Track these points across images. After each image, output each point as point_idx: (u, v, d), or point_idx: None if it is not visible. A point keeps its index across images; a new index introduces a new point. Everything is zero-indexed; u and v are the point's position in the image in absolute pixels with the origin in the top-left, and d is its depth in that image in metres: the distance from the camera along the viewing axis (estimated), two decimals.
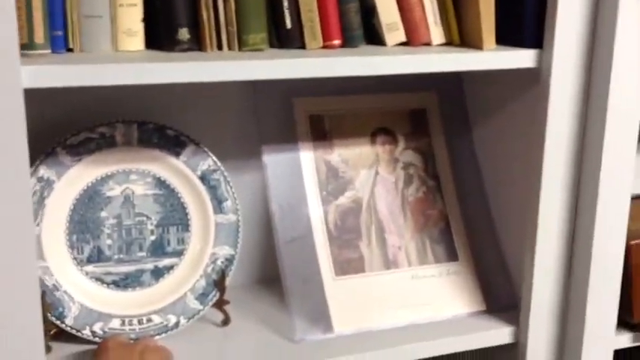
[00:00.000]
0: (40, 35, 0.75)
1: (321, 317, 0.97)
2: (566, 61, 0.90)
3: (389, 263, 1.03)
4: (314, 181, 1.03)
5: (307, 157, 1.03)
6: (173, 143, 0.94)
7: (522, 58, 0.90)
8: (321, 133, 1.04)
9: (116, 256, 0.94)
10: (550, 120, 0.91)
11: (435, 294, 1.03)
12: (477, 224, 1.08)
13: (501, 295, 1.04)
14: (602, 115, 0.91)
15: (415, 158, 1.08)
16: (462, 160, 1.09)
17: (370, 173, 1.06)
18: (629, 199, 0.96)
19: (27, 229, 0.73)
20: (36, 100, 0.75)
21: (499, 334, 1.00)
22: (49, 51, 0.77)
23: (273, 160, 1.01)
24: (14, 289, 0.74)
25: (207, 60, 0.79)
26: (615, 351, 1.02)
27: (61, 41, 0.78)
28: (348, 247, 1.02)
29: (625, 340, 1.03)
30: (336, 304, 0.98)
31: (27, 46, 0.74)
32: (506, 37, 0.91)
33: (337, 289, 0.99)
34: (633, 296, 1.00)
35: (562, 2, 0.87)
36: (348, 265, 1.01)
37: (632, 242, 0.98)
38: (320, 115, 1.05)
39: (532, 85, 0.93)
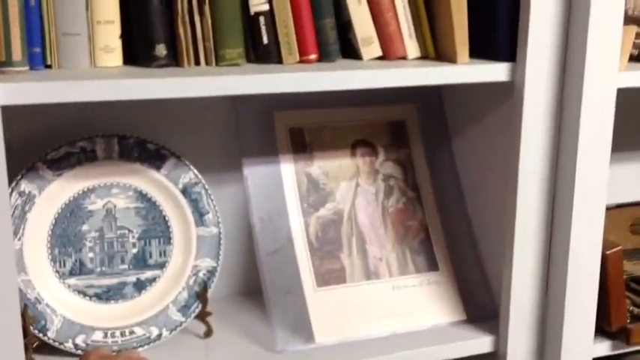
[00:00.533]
0: (17, 52, 0.76)
1: (302, 328, 0.97)
2: (539, 74, 0.91)
3: (370, 274, 1.04)
4: (295, 193, 1.04)
5: (288, 169, 1.04)
6: (154, 157, 0.95)
7: (495, 71, 0.92)
8: (302, 145, 1.05)
9: (98, 269, 0.95)
10: (524, 132, 0.93)
11: (415, 304, 1.04)
12: (457, 235, 1.09)
13: (481, 305, 1.05)
14: (575, 127, 0.92)
15: (395, 170, 1.09)
16: (442, 171, 1.11)
17: (351, 185, 1.07)
18: (604, 209, 0.97)
19: (6, 243, 0.74)
20: (17, 116, 0.76)
21: (479, 343, 1.01)
22: (27, 68, 0.78)
23: (254, 172, 1.02)
24: None
25: (185, 76, 0.80)
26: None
27: (39, 58, 0.79)
28: (329, 258, 1.03)
29: (603, 348, 1.04)
30: (317, 314, 0.99)
31: (4, 63, 0.75)
32: (481, 51, 0.93)
33: (318, 300, 1.00)
34: (610, 305, 1.01)
35: (534, 16, 0.89)
36: (330, 276, 1.02)
37: (608, 252, 1.00)
38: (300, 128, 1.06)
39: (506, 97, 0.95)
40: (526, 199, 0.96)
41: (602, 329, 1.03)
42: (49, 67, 0.81)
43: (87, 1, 0.80)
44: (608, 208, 0.98)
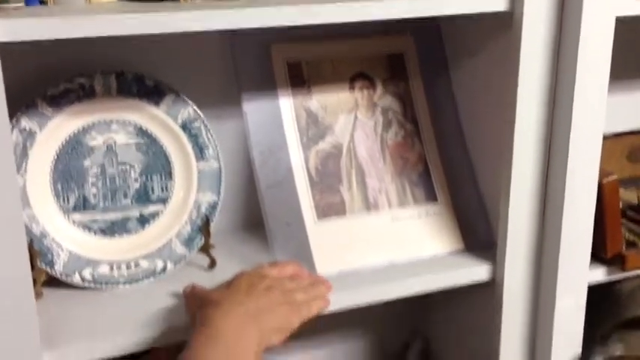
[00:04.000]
0: None
1: (303, 259, 0.99)
2: (537, 4, 0.90)
3: (369, 206, 1.06)
4: (294, 127, 1.04)
5: (286, 103, 1.04)
6: (153, 93, 0.95)
7: (494, 1, 0.91)
8: (300, 79, 1.05)
9: (101, 204, 0.96)
10: (523, 61, 0.93)
11: (414, 234, 1.06)
12: (456, 166, 1.10)
13: (479, 234, 1.07)
14: (574, 56, 0.92)
15: (393, 102, 1.10)
16: (440, 103, 1.11)
17: (349, 118, 1.07)
18: (602, 137, 0.98)
19: (10, 178, 0.75)
20: (15, 54, 0.76)
21: (476, 271, 1.03)
22: (23, 4, 0.78)
23: (253, 107, 1.02)
24: (1, 237, 0.76)
25: (182, 10, 0.80)
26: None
27: None
28: (329, 191, 1.05)
29: (599, 274, 1.06)
30: (318, 246, 1.01)
31: (1, 0, 0.75)
32: None
33: (319, 232, 1.02)
34: (606, 232, 1.03)
35: None
36: (330, 209, 1.04)
37: (605, 180, 1.01)
38: (298, 62, 1.06)
39: (505, 28, 0.94)
40: (523, 129, 0.96)
41: (598, 256, 1.05)
42: (44, 3, 0.80)
43: None
44: (605, 137, 0.99)
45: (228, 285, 0.88)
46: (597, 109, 0.95)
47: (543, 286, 1.04)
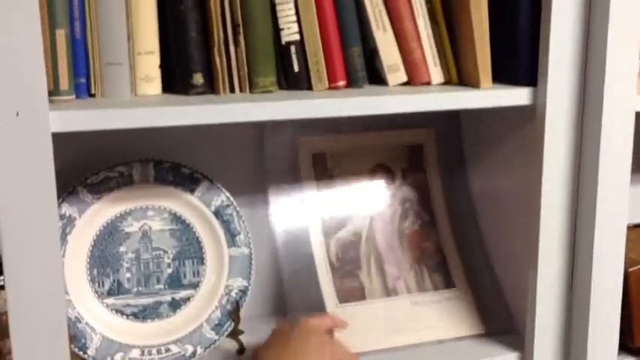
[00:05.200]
0: (65, 82, 0.80)
1: None
2: (559, 98, 0.94)
3: (389, 291, 1.08)
4: (316, 215, 1.08)
5: (310, 193, 1.08)
6: (188, 180, 0.99)
7: (517, 95, 0.95)
8: (323, 170, 1.10)
9: (135, 289, 0.98)
10: (546, 153, 0.96)
11: (434, 318, 1.07)
12: (472, 256, 1.12)
13: (499, 320, 1.08)
14: (596, 148, 0.95)
15: (411, 193, 1.13)
16: (457, 194, 1.14)
17: (368, 208, 1.10)
18: (626, 227, 1.00)
19: (55, 264, 0.78)
20: (58, 143, 0.80)
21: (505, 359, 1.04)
22: (74, 97, 0.82)
23: (278, 197, 1.06)
24: (44, 323, 0.78)
25: (221, 103, 0.84)
26: None
27: (84, 88, 0.83)
28: (349, 276, 1.07)
29: None
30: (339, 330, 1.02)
31: (53, 92, 0.79)
32: (502, 76, 0.96)
33: (340, 316, 1.03)
34: (634, 321, 1.03)
35: (554, 41, 0.92)
36: (350, 294, 1.06)
37: (631, 269, 1.02)
38: (322, 153, 1.10)
39: (527, 121, 0.98)
40: (549, 220, 0.98)
41: (626, 346, 1.05)
42: (92, 95, 0.85)
43: (128, 33, 0.84)
44: (629, 227, 1.00)
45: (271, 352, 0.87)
46: (621, 200, 0.98)
47: None
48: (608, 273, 1.00)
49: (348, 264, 1.07)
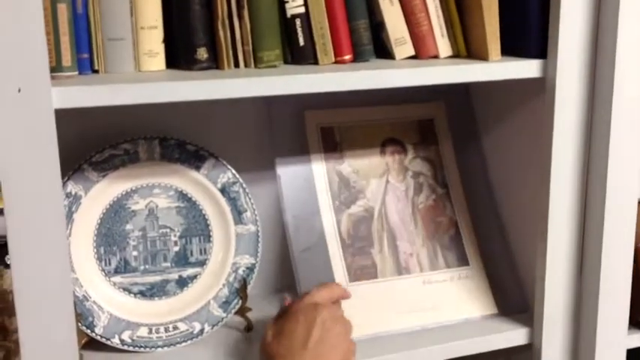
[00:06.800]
0: (67, 58, 0.79)
1: None
2: (570, 70, 0.93)
3: (401, 269, 1.07)
4: (326, 191, 1.06)
5: (319, 168, 1.07)
6: (194, 157, 0.98)
7: (527, 68, 0.93)
8: (332, 144, 1.08)
9: (142, 267, 0.98)
10: (556, 126, 0.94)
11: (447, 298, 1.06)
12: (487, 230, 1.11)
13: (513, 299, 1.07)
14: (607, 121, 0.94)
15: (424, 167, 1.12)
16: (471, 167, 1.13)
17: (381, 182, 1.09)
18: (637, 202, 0.99)
19: (60, 242, 0.77)
20: (62, 120, 0.79)
21: (514, 335, 1.03)
22: (77, 73, 0.81)
23: (287, 172, 1.05)
24: (50, 301, 0.77)
25: (225, 77, 0.83)
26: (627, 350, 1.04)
27: (87, 63, 0.82)
28: (360, 254, 1.06)
29: (637, 339, 1.05)
30: (350, 309, 1.01)
31: (55, 69, 0.78)
32: (512, 48, 0.95)
33: (351, 295, 1.03)
34: None
35: (564, 13, 0.91)
36: (361, 272, 1.05)
37: None
38: (331, 127, 1.09)
39: (538, 93, 0.96)
40: (558, 194, 0.97)
41: (636, 320, 1.04)
42: (96, 71, 0.84)
43: (131, 8, 0.83)
44: None
45: (282, 329, 0.87)
46: (631, 174, 0.96)
47: (582, 352, 1.03)
48: (618, 247, 0.99)
49: (359, 241, 1.06)
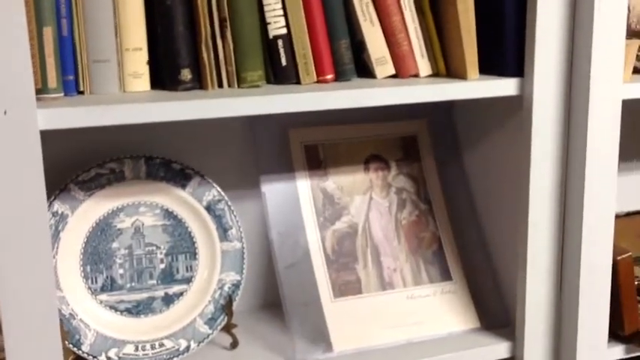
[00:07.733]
0: (53, 80, 0.81)
1: (320, 338, 1.01)
2: (546, 88, 0.95)
3: (385, 284, 1.08)
4: (311, 208, 1.08)
5: (304, 185, 1.08)
6: (179, 176, 0.99)
7: (504, 86, 0.95)
8: (316, 161, 1.10)
9: (128, 285, 0.99)
10: (534, 142, 0.96)
11: (430, 312, 1.07)
12: (469, 245, 1.12)
13: (495, 313, 1.08)
14: (583, 137, 0.96)
15: (407, 183, 1.13)
16: (453, 183, 1.14)
17: (364, 199, 1.11)
18: (614, 217, 1.00)
19: (46, 261, 0.78)
20: (49, 140, 0.80)
21: (496, 349, 1.04)
22: (62, 94, 0.83)
23: (271, 189, 1.06)
24: (36, 319, 0.78)
25: (209, 98, 0.84)
26: None
27: (72, 85, 0.84)
28: (345, 270, 1.07)
29: (617, 352, 1.06)
30: (335, 324, 1.03)
31: (41, 90, 0.80)
32: (490, 67, 0.97)
33: (336, 311, 1.04)
34: (623, 309, 1.04)
35: (540, 32, 0.93)
36: (346, 287, 1.06)
37: (619, 257, 1.02)
38: (314, 144, 1.10)
39: (516, 111, 0.98)
40: (537, 209, 0.99)
41: (616, 334, 1.05)
42: (81, 92, 0.85)
43: (116, 30, 0.85)
44: (617, 217, 1.01)
45: None
46: (608, 189, 0.98)
47: None
48: (597, 261, 1.00)
49: (343, 257, 1.07)
